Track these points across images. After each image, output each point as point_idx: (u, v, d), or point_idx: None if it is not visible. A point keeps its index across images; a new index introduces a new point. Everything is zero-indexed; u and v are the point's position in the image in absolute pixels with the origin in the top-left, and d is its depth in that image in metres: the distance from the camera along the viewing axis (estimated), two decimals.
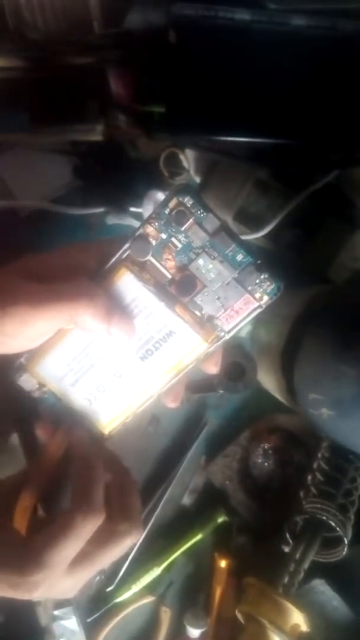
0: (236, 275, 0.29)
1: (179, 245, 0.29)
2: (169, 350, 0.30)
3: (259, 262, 0.29)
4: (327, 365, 0.40)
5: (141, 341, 0.30)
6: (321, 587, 0.50)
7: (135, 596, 0.53)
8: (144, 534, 0.53)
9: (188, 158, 0.48)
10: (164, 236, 0.29)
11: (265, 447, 0.54)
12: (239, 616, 0.48)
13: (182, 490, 0.55)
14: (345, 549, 0.47)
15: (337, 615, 0.50)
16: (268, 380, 0.49)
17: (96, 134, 0.46)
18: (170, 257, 0.29)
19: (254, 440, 0.54)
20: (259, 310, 0.30)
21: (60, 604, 0.52)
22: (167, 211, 0.28)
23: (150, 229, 0.29)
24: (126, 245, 0.29)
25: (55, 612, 0.52)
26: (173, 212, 0.28)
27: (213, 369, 0.32)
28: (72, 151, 0.51)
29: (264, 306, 0.29)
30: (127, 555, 0.53)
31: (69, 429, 0.32)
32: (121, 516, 0.30)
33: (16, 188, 0.50)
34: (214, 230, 0.28)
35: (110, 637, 0.53)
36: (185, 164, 0.49)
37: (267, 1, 0.38)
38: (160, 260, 0.29)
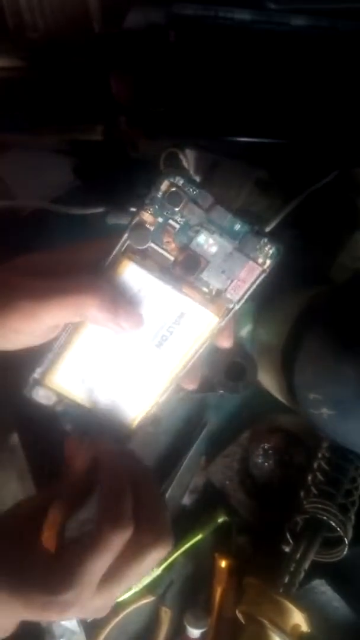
0: (237, 245, 0.29)
1: (177, 226, 0.29)
2: (183, 332, 0.30)
3: (256, 228, 0.29)
4: (327, 365, 0.40)
5: (154, 329, 0.30)
6: (322, 588, 0.50)
7: (135, 596, 0.53)
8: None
9: (188, 158, 0.48)
10: (160, 220, 0.29)
11: (266, 447, 0.54)
12: (239, 616, 0.48)
13: (182, 490, 0.55)
14: (346, 549, 0.47)
15: (338, 615, 0.50)
16: (268, 380, 0.49)
17: (96, 134, 0.46)
18: (170, 239, 0.29)
19: (254, 441, 0.54)
20: (264, 275, 0.30)
21: None
22: (160, 195, 0.28)
23: (146, 216, 0.29)
24: (125, 236, 0.29)
25: None
26: (166, 195, 0.28)
27: (226, 343, 0.32)
28: (72, 151, 0.51)
29: (267, 270, 0.29)
30: None
31: (95, 440, 0.31)
32: (148, 529, 0.28)
33: (16, 188, 0.50)
34: (208, 205, 0.28)
35: (110, 637, 0.53)
36: (185, 164, 0.49)
37: (267, 1, 0.38)
38: (161, 245, 0.29)
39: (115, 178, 0.51)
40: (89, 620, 0.53)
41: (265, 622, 0.45)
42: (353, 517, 0.48)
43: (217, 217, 0.29)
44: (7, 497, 0.50)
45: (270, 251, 0.29)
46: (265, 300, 0.48)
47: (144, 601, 0.54)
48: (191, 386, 0.33)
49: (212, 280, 0.30)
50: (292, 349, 0.43)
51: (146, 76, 0.41)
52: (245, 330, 0.51)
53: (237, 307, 0.30)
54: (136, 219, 0.29)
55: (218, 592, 0.53)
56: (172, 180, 0.28)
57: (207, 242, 0.29)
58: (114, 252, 0.29)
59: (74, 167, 0.51)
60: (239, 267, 0.29)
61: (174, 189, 0.28)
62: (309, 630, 0.45)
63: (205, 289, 0.30)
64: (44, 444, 0.48)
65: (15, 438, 0.50)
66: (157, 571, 0.53)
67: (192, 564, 0.55)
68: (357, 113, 0.40)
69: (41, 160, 0.51)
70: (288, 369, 0.43)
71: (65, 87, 0.45)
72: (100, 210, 0.51)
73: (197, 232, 0.29)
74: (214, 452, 0.55)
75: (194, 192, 0.28)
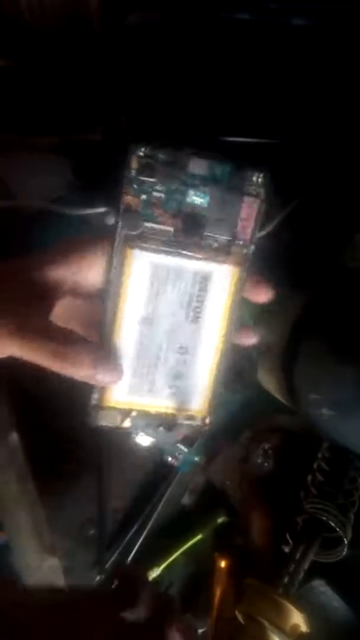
0: (225, 187, 0.28)
1: (162, 196, 0.28)
2: (213, 296, 0.30)
3: (236, 163, 0.28)
4: (327, 366, 0.40)
5: (184, 305, 0.30)
6: (321, 588, 0.50)
7: None
8: (144, 534, 0.53)
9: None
10: (144, 197, 0.28)
11: (266, 447, 0.54)
12: (239, 616, 0.48)
13: (182, 490, 0.55)
14: (345, 549, 0.47)
15: (338, 615, 0.50)
16: (268, 380, 0.49)
17: (96, 134, 0.46)
18: (161, 211, 0.28)
19: (254, 441, 0.54)
20: (264, 205, 0.29)
21: None
22: (133, 173, 0.27)
23: (129, 199, 0.28)
24: (118, 229, 0.28)
25: None
26: (139, 169, 0.27)
27: (262, 295, 0.31)
28: (72, 151, 0.51)
29: (265, 200, 0.29)
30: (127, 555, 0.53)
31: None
32: None
33: (16, 188, 0.50)
34: (182, 161, 0.27)
35: None
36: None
37: (267, 1, 0.38)
38: (155, 220, 0.28)
39: (115, 178, 0.51)
40: None
41: (264, 622, 0.45)
42: (353, 517, 0.48)
43: (196, 170, 0.28)
44: (7, 497, 0.50)
45: (259, 179, 0.28)
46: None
47: None
48: (250, 340, 0.32)
49: (217, 232, 0.29)
50: (292, 349, 0.43)
51: (145, 75, 0.41)
52: None
53: (252, 247, 0.29)
54: (122, 207, 0.28)
55: (218, 592, 0.53)
56: (139, 153, 0.27)
57: (197, 198, 0.28)
58: (115, 248, 0.28)
59: (74, 167, 0.51)
60: (236, 208, 0.28)
61: (144, 162, 0.27)
62: (308, 631, 0.45)
63: (215, 244, 0.29)
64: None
65: (15, 438, 0.50)
66: (157, 571, 0.53)
67: (192, 564, 0.55)
68: (356, 113, 0.40)
69: (41, 160, 0.51)
70: (288, 369, 0.43)
71: (65, 87, 0.45)
72: (100, 210, 0.51)
73: (184, 193, 0.28)
74: (214, 453, 0.55)
75: (164, 156, 0.27)
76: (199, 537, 0.54)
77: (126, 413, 0.31)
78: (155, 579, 0.53)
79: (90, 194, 0.51)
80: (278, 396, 0.49)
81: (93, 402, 0.31)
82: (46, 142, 0.50)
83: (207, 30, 0.38)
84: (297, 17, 0.38)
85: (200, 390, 0.32)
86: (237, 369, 0.52)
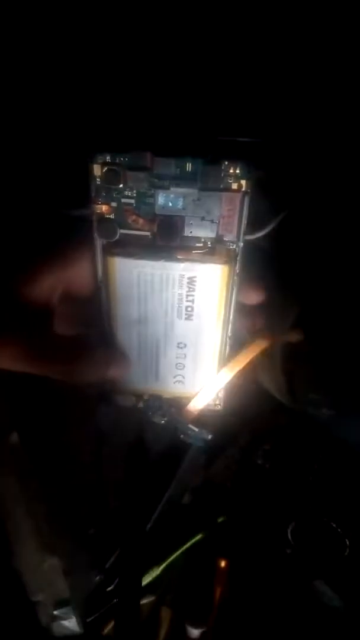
0: (200, 184, 0.26)
1: (132, 201, 0.27)
2: (204, 294, 0.29)
3: (209, 156, 0.26)
4: (327, 366, 0.40)
5: (174, 306, 0.29)
6: (322, 588, 0.50)
7: None
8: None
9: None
10: (114, 204, 0.27)
11: (266, 447, 0.54)
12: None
13: (182, 490, 0.55)
14: (347, 549, 0.47)
15: (338, 615, 0.50)
16: (268, 380, 0.49)
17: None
18: (134, 217, 0.27)
19: (254, 441, 0.54)
20: (248, 196, 0.26)
21: (60, 603, 0.52)
22: (98, 181, 0.26)
23: (100, 208, 0.27)
24: (96, 239, 0.28)
25: (55, 612, 0.52)
26: (103, 178, 0.26)
27: (254, 297, 0.30)
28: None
29: (249, 191, 0.26)
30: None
31: None
32: None
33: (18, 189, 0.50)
34: (146, 162, 0.26)
35: (111, 637, 0.53)
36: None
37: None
38: (130, 226, 0.27)
39: None
40: (89, 620, 0.53)
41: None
42: (353, 518, 0.48)
43: (163, 170, 0.26)
44: (7, 497, 0.50)
45: (240, 171, 0.26)
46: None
47: (144, 601, 0.54)
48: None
49: (198, 232, 0.27)
50: (292, 349, 0.43)
51: (144, 76, 0.41)
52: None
53: (241, 243, 0.28)
54: (95, 217, 0.27)
55: (218, 592, 0.53)
56: (99, 161, 0.26)
57: (170, 200, 0.26)
58: (96, 257, 0.28)
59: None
60: (216, 205, 0.26)
61: (106, 169, 0.26)
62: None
63: (198, 244, 0.28)
64: None
65: (15, 438, 0.50)
66: (157, 571, 0.53)
67: (192, 564, 0.55)
68: (357, 113, 0.40)
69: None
70: (288, 369, 0.43)
71: (65, 87, 0.45)
72: None
73: (155, 195, 0.26)
74: (214, 453, 0.55)
75: (126, 159, 0.26)
76: (199, 537, 0.54)
77: (139, 396, 0.32)
78: (154, 577, 0.53)
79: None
80: (278, 396, 0.49)
81: (108, 387, 0.31)
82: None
83: (204, 30, 0.38)
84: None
85: (206, 376, 0.32)
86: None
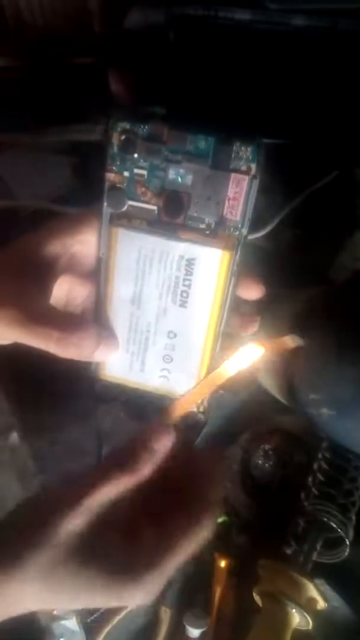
0: (210, 163, 0.26)
1: (145, 173, 0.27)
2: (200, 279, 0.28)
3: (223, 135, 0.26)
4: (327, 365, 0.40)
5: (170, 288, 0.28)
6: (322, 588, 0.50)
7: None
8: None
9: None
10: (127, 174, 0.27)
11: (266, 448, 0.54)
12: (257, 598, 0.47)
13: None
14: (347, 549, 0.47)
15: (338, 615, 0.50)
16: (268, 380, 0.49)
17: (96, 134, 0.46)
18: (144, 189, 0.27)
19: (254, 441, 0.54)
20: (256, 182, 0.26)
21: None
22: (115, 149, 0.26)
23: (112, 176, 0.27)
24: (103, 208, 0.27)
25: (55, 612, 0.52)
26: (120, 145, 0.26)
27: (253, 292, 0.29)
28: (72, 151, 0.51)
29: (257, 175, 0.26)
30: None
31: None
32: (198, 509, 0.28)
33: (16, 188, 0.50)
34: (163, 135, 0.26)
35: (110, 637, 0.53)
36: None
37: (267, 1, 0.38)
38: (138, 198, 0.27)
39: None
40: (89, 620, 0.53)
41: (280, 597, 0.44)
42: (354, 517, 0.48)
43: (177, 144, 0.26)
44: (7, 497, 0.50)
45: (250, 153, 0.25)
46: (264, 299, 0.48)
47: None
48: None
49: (203, 213, 0.27)
50: (292, 349, 0.43)
51: (146, 76, 0.41)
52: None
53: (244, 231, 0.27)
54: (107, 184, 0.27)
55: (218, 592, 0.53)
56: (118, 129, 0.26)
57: (180, 175, 0.26)
58: (101, 227, 0.28)
59: (74, 167, 0.51)
60: (223, 186, 0.26)
61: (124, 137, 0.26)
62: (326, 605, 0.45)
63: (201, 225, 0.27)
64: None
65: (15, 438, 0.50)
66: None
67: (192, 564, 0.55)
68: (357, 113, 0.40)
69: (41, 160, 0.51)
70: (288, 369, 0.43)
71: (65, 87, 0.45)
72: None
73: (166, 169, 0.26)
74: None
75: (144, 130, 0.26)
76: None
77: (122, 388, 0.31)
78: None
79: (90, 194, 0.51)
80: (278, 396, 0.49)
81: (90, 374, 0.30)
82: (46, 142, 0.50)
83: (208, 31, 0.38)
84: (297, 17, 0.38)
85: (191, 378, 0.31)
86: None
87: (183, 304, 0.29)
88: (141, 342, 0.30)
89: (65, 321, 0.28)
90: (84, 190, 0.52)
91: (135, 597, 0.25)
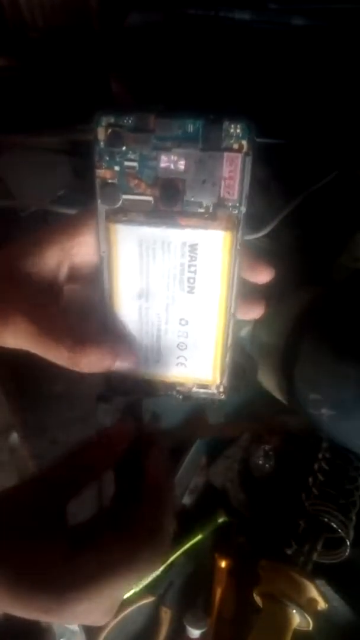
0: (201, 145, 0.26)
1: (135, 164, 0.26)
2: (206, 263, 0.28)
3: (211, 116, 0.25)
4: (327, 366, 0.40)
5: (176, 277, 0.28)
6: (322, 588, 0.50)
7: (135, 596, 0.53)
8: None
9: None
10: (117, 168, 0.26)
11: (266, 448, 0.54)
12: (257, 599, 0.47)
13: (182, 490, 0.55)
14: (348, 550, 0.47)
15: (338, 615, 0.50)
16: (268, 381, 0.49)
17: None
18: (137, 181, 0.27)
19: (255, 441, 0.54)
20: (249, 158, 0.26)
21: None
22: (101, 144, 0.26)
23: (102, 172, 0.27)
24: (98, 205, 0.27)
25: None
26: (107, 140, 0.26)
27: (262, 276, 0.29)
28: (72, 151, 0.51)
29: (250, 152, 0.26)
30: None
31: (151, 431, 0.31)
32: (147, 537, 0.26)
33: (16, 188, 0.50)
34: (149, 124, 0.26)
35: (110, 637, 0.53)
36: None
37: (267, 1, 0.38)
38: (132, 191, 0.27)
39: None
40: None
41: (281, 597, 0.44)
42: (354, 518, 0.48)
43: (165, 131, 0.25)
44: None
45: (241, 131, 0.25)
46: (265, 300, 0.48)
47: (144, 601, 0.54)
48: (254, 314, 0.30)
49: (199, 196, 0.26)
50: (292, 349, 0.43)
51: (145, 76, 0.41)
52: (245, 331, 0.51)
53: (243, 209, 0.27)
54: (97, 181, 0.27)
55: (218, 592, 0.53)
56: (103, 123, 0.26)
57: (171, 162, 0.26)
58: (98, 225, 0.28)
59: (74, 167, 0.51)
60: (217, 167, 0.26)
61: (110, 131, 0.26)
62: (327, 606, 0.45)
63: (200, 210, 0.27)
64: None
65: (15, 438, 0.50)
66: (157, 571, 0.53)
67: (192, 564, 0.55)
68: (357, 113, 0.40)
69: (41, 160, 0.51)
70: (288, 369, 0.43)
71: (65, 87, 0.45)
72: None
73: (157, 158, 0.26)
74: (214, 453, 0.55)
75: (129, 121, 0.26)
76: (199, 537, 0.54)
77: (143, 380, 0.31)
78: (154, 577, 0.53)
79: (90, 194, 0.51)
80: (278, 396, 0.49)
81: (108, 375, 0.30)
82: (46, 142, 0.50)
83: (208, 31, 0.38)
84: (297, 17, 0.38)
85: (208, 360, 0.31)
86: (237, 369, 0.52)
87: (191, 290, 0.29)
88: (153, 333, 0.30)
89: (77, 335, 0.27)
90: (84, 190, 0.52)
91: (62, 618, 0.24)
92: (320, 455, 0.50)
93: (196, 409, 0.55)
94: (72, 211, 0.50)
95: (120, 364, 0.29)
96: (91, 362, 0.28)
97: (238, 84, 0.39)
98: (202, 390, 0.32)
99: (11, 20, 0.44)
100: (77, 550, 0.25)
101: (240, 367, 0.51)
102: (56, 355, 0.27)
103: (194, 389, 0.32)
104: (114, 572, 0.24)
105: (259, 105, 0.39)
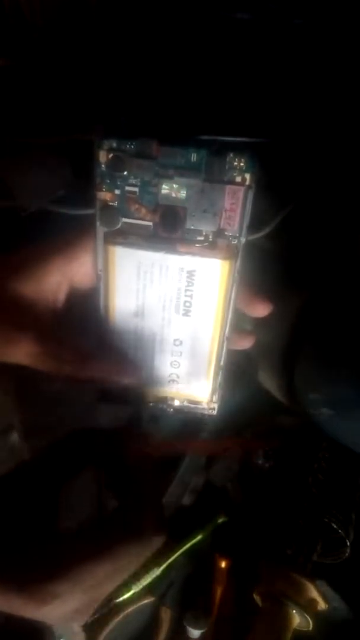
0: (204, 175, 0.26)
1: (136, 189, 0.26)
2: (203, 289, 0.28)
3: (215, 147, 0.26)
4: (327, 366, 0.40)
5: (173, 300, 0.29)
6: (322, 588, 0.50)
7: (135, 596, 0.53)
8: None
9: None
10: (118, 192, 0.27)
11: (266, 448, 0.54)
12: (257, 599, 0.47)
13: (182, 490, 0.55)
14: (348, 550, 0.47)
15: (338, 615, 0.50)
16: (268, 381, 0.49)
17: (96, 134, 0.46)
18: (137, 205, 0.27)
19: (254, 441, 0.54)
20: (252, 191, 0.26)
21: None
22: (103, 167, 0.26)
23: (102, 195, 0.27)
24: (97, 227, 0.27)
25: None
26: (108, 165, 0.26)
27: (260, 310, 0.30)
28: (72, 151, 0.51)
29: (253, 185, 0.26)
30: None
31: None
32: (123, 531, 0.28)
33: (16, 188, 0.50)
34: (152, 151, 0.26)
35: (110, 637, 0.53)
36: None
37: (267, 1, 0.38)
38: (132, 215, 0.27)
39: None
40: (89, 620, 0.53)
41: (282, 598, 0.44)
42: (354, 518, 0.48)
43: (168, 159, 0.26)
44: None
45: (244, 164, 0.25)
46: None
47: (144, 601, 0.54)
48: (245, 345, 0.31)
49: (200, 225, 0.27)
50: (292, 349, 0.43)
51: (145, 74, 0.41)
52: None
53: (242, 239, 0.27)
54: (98, 203, 0.27)
55: (218, 592, 0.53)
56: (106, 147, 0.26)
57: (173, 190, 0.26)
58: (97, 246, 0.28)
59: (74, 167, 0.51)
60: (219, 198, 0.26)
61: (111, 155, 0.26)
62: (327, 606, 0.45)
63: (199, 237, 0.27)
64: None
65: (15, 438, 0.50)
66: (157, 571, 0.53)
67: (192, 564, 0.55)
68: (357, 113, 0.40)
69: (41, 160, 0.51)
70: (288, 369, 0.43)
71: (65, 86, 0.45)
72: None
73: (158, 185, 0.26)
74: (214, 453, 0.55)
75: (132, 147, 0.26)
76: (199, 537, 0.54)
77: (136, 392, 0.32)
78: (154, 577, 0.53)
79: (90, 194, 0.51)
80: (278, 396, 0.49)
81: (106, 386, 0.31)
82: (46, 142, 0.50)
83: (207, 30, 0.38)
84: (297, 17, 0.38)
85: (200, 380, 0.32)
86: (236, 369, 0.52)
87: (187, 313, 0.29)
88: (147, 350, 0.31)
89: (80, 352, 0.28)
90: (84, 190, 0.52)
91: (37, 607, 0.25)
92: (320, 455, 0.50)
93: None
94: (71, 211, 0.50)
95: (126, 379, 0.30)
96: (94, 377, 0.29)
97: (238, 83, 0.39)
98: (192, 406, 0.33)
99: (11, 20, 0.44)
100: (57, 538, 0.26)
101: (240, 367, 0.51)
102: (59, 372, 0.28)
103: (185, 404, 0.33)
104: (88, 560, 0.25)
105: (258, 105, 0.39)
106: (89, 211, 0.51)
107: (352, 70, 0.39)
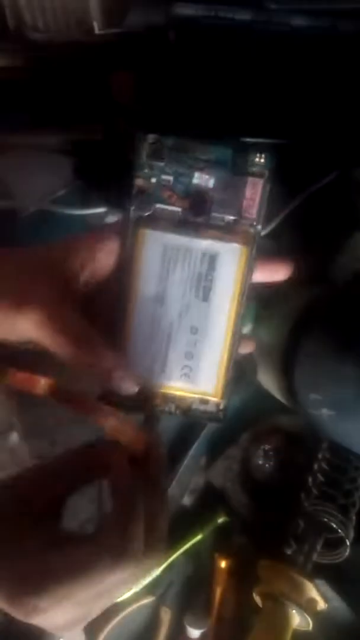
0: (230, 168, 0.30)
1: (171, 179, 0.30)
2: (222, 274, 0.31)
3: (240, 145, 0.30)
4: (328, 366, 0.40)
5: (194, 284, 0.31)
6: (322, 588, 0.50)
7: (135, 596, 0.53)
8: None
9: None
10: (154, 180, 0.30)
11: (266, 448, 0.54)
12: (256, 599, 0.47)
13: (182, 490, 0.55)
14: (348, 550, 0.47)
15: (338, 615, 0.50)
16: (268, 381, 0.49)
17: (96, 134, 0.46)
18: (170, 193, 0.30)
19: (255, 442, 0.54)
20: (269, 184, 0.30)
21: None
22: (144, 158, 0.30)
23: (140, 182, 0.30)
24: (131, 211, 0.30)
25: None
26: (149, 155, 0.29)
27: (281, 272, 0.32)
28: (72, 151, 0.51)
29: (270, 180, 0.30)
30: None
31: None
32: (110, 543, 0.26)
33: (16, 188, 0.50)
34: (187, 146, 0.30)
35: (110, 637, 0.53)
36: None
37: (267, 1, 0.38)
38: (164, 201, 0.30)
39: (115, 178, 0.51)
40: None
41: (280, 597, 0.45)
42: (354, 518, 0.48)
43: (200, 154, 0.30)
44: None
45: (263, 160, 0.30)
46: (265, 300, 0.48)
47: (144, 601, 0.54)
48: (246, 349, 0.33)
49: (223, 212, 0.30)
50: (292, 349, 0.43)
51: (146, 76, 0.41)
52: (245, 330, 0.51)
53: (259, 227, 0.30)
54: (135, 190, 0.30)
55: (218, 592, 0.53)
56: (150, 140, 0.29)
57: (202, 179, 0.30)
58: (128, 229, 0.30)
59: (74, 167, 0.51)
60: (241, 188, 0.30)
61: (153, 147, 0.29)
62: (327, 606, 0.45)
63: (221, 223, 0.30)
64: None
65: (15, 438, 0.50)
66: (157, 571, 0.53)
67: (192, 564, 0.55)
68: (357, 113, 0.40)
69: (41, 160, 0.51)
70: (288, 369, 0.43)
71: (65, 87, 0.45)
72: (100, 210, 0.51)
73: (190, 175, 0.30)
74: (214, 453, 0.55)
75: (171, 142, 0.30)
76: (199, 537, 0.54)
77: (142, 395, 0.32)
78: (154, 577, 0.53)
79: (90, 194, 0.51)
80: (278, 396, 0.49)
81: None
82: (46, 142, 0.50)
83: (209, 31, 0.38)
84: (297, 17, 0.38)
85: (212, 373, 0.32)
86: (237, 368, 0.52)
87: (205, 299, 0.31)
88: (163, 339, 0.32)
89: (87, 336, 0.29)
90: (84, 190, 0.52)
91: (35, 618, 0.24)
92: (320, 455, 0.50)
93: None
94: (71, 211, 0.50)
95: (119, 378, 0.30)
96: (93, 362, 0.29)
97: (238, 84, 0.39)
98: (202, 407, 0.33)
99: (11, 21, 0.44)
100: (55, 544, 0.25)
101: (240, 367, 0.51)
102: (60, 351, 0.28)
103: (194, 406, 0.33)
104: (80, 577, 0.24)
105: (259, 105, 0.39)
106: (89, 211, 0.51)
107: (354, 70, 0.39)
